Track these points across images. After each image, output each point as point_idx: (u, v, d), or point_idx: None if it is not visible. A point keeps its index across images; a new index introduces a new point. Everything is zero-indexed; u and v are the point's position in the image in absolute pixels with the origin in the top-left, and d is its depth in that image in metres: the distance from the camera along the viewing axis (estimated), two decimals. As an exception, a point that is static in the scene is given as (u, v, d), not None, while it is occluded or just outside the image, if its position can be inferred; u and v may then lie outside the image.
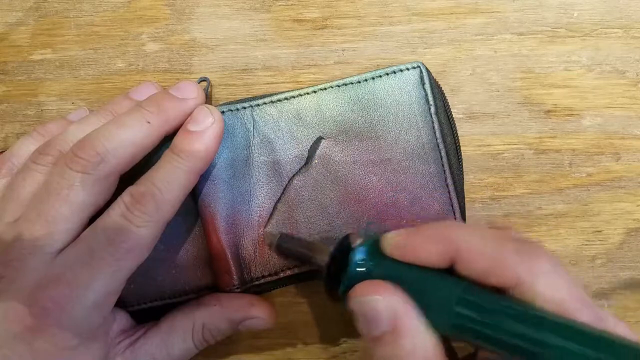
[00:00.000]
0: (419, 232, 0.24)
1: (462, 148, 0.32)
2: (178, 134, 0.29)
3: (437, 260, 0.23)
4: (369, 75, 0.31)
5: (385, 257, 0.24)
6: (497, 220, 0.33)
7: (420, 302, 0.23)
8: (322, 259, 0.27)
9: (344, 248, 0.26)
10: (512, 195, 0.34)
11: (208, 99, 0.34)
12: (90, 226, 0.27)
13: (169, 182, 0.27)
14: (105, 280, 0.26)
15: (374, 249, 0.25)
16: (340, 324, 0.34)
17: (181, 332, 0.30)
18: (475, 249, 0.23)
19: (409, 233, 0.24)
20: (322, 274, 0.26)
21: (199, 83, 0.33)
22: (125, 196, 0.27)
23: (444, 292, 0.23)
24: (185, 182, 0.28)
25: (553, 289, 0.21)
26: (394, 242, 0.24)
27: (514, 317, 0.21)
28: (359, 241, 0.26)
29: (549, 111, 0.34)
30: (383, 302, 0.22)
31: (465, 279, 0.23)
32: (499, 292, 0.22)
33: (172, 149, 0.28)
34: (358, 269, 0.24)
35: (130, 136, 0.28)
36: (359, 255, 0.25)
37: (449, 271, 0.23)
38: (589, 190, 0.33)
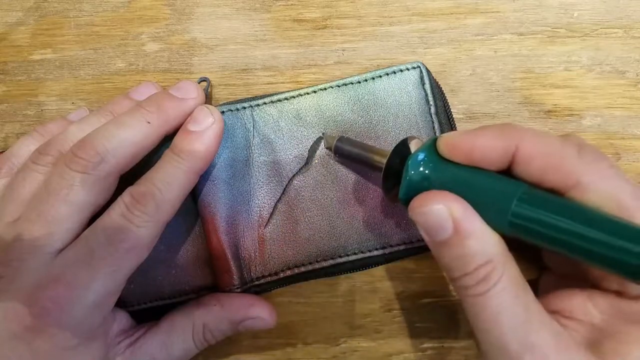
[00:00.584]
0: (479, 130, 0.24)
1: (462, 148, 0.32)
2: (178, 134, 0.29)
3: (496, 158, 0.23)
4: (369, 75, 0.31)
5: (442, 160, 0.25)
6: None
7: (477, 202, 0.23)
8: (380, 159, 0.27)
9: (402, 150, 0.26)
10: (512, 195, 0.34)
11: (208, 99, 0.34)
12: (90, 226, 0.27)
13: (169, 182, 0.27)
14: (105, 280, 0.26)
15: (432, 151, 0.25)
16: (340, 324, 0.34)
17: (181, 332, 0.30)
18: (536, 148, 0.23)
19: (468, 132, 0.25)
20: (380, 173, 0.27)
21: (199, 83, 0.33)
22: (125, 196, 0.27)
23: (502, 191, 0.23)
24: (185, 182, 0.28)
25: (612, 190, 0.22)
26: (452, 141, 0.25)
27: (572, 217, 0.21)
28: (416, 143, 0.27)
29: (549, 111, 0.34)
30: (444, 209, 0.23)
31: (523, 182, 0.23)
32: (556, 193, 0.22)
33: (172, 149, 0.28)
34: (415, 170, 0.25)
35: (130, 136, 0.28)
36: (417, 157, 0.25)
37: (505, 174, 0.24)
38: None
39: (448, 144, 0.25)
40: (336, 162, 0.31)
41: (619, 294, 0.23)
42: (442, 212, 0.23)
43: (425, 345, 0.33)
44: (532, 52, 0.34)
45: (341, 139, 0.30)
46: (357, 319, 0.33)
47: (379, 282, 0.33)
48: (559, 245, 0.22)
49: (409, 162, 0.25)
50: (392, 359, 0.33)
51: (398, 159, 0.26)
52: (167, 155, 0.28)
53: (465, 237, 0.23)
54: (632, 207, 0.22)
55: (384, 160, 0.27)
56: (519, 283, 0.23)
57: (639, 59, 0.34)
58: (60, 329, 0.25)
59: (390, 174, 0.27)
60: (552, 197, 0.22)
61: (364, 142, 0.30)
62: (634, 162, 0.33)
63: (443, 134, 0.25)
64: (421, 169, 0.25)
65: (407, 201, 0.25)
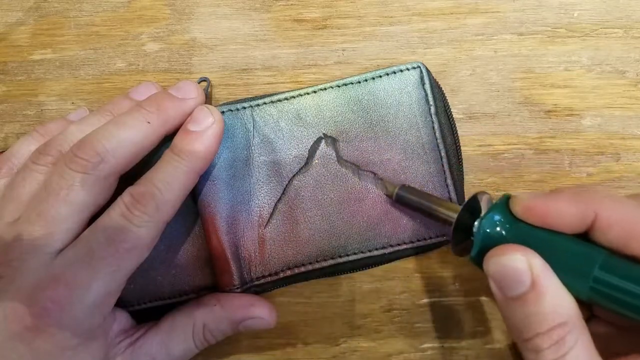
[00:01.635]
0: (555, 194, 0.24)
1: (462, 148, 0.32)
2: (178, 134, 0.29)
3: (572, 224, 0.23)
4: (369, 75, 0.31)
5: (517, 220, 0.24)
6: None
7: (555, 265, 0.23)
8: (449, 213, 0.27)
9: (472, 207, 0.26)
10: (512, 195, 0.34)
11: (208, 99, 0.34)
12: (90, 226, 0.27)
13: (169, 182, 0.27)
14: (105, 280, 0.26)
15: (506, 210, 0.25)
16: (340, 324, 0.34)
17: (181, 333, 0.30)
18: (615, 215, 0.22)
19: (544, 195, 0.24)
20: (449, 227, 0.27)
21: (199, 83, 0.33)
22: (125, 196, 0.27)
23: (583, 255, 0.23)
24: (185, 182, 0.28)
25: None
26: (527, 203, 0.24)
27: None
28: (486, 200, 0.26)
29: (549, 111, 0.34)
30: (524, 262, 0.22)
31: (603, 247, 0.23)
32: (637, 261, 0.22)
33: (172, 149, 0.28)
34: (492, 230, 0.24)
35: (130, 136, 0.28)
36: (492, 217, 0.25)
37: (582, 238, 0.23)
38: (589, 190, 0.33)
39: (523, 206, 0.24)
40: (336, 163, 0.31)
41: None
42: (522, 264, 0.22)
43: (425, 345, 0.33)
44: (532, 52, 0.34)
45: (402, 187, 0.30)
46: (357, 319, 0.33)
47: (379, 282, 0.33)
48: (637, 312, 0.22)
49: (484, 221, 0.25)
50: (392, 359, 0.33)
51: (467, 214, 0.26)
52: (167, 155, 0.28)
53: (543, 294, 0.22)
54: None
55: (454, 215, 0.27)
56: (593, 352, 0.22)
57: (639, 59, 0.34)
58: (60, 329, 0.25)
59: (459, 229, 0.26)
60: (634, 265, 0.22)
61: (364, 151, 0.30)
62: (634, 162, 0.33)
63: (517, 195, 0.25)
64: (497, 229, 0.25)
65: (478, 260, 0.25)
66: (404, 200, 0.29)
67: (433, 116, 0.31)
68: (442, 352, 0.33)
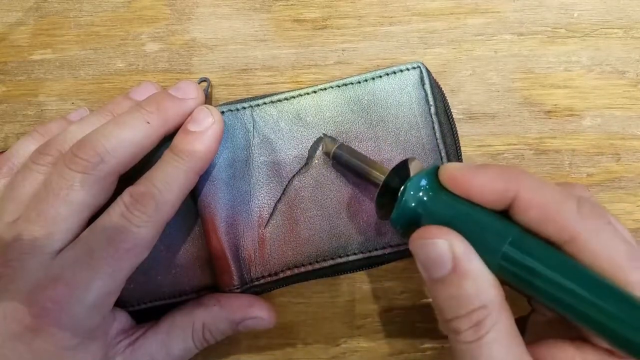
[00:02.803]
0: (482, 168, 0.24)
1: (462, 148, 0.32)
2: (178, 134, 0.29)
3: (493, 200, 0.23)
4: (369, 75, 0.31)
5: (442, 189, 0.25)
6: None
7: (470, 238, 0.23)
8: (378, 175, 0.27)
9: (401, 170, 0.26)
10: (512, 196, 0.34)
11: (208, 99, 0.34)
12: (90, 226, 0.27)
13: (168, 182, 0.27)
14: (105, 280, 0.26)
15: (433, 178, 0.25)
16: (340, 324, 0.34)
17: (181, 332, 0.30)
18: (535, 198, 0.22)
19: (470, 167, 0.24)
20: (377, 189, 0.27)
21: (199, 83, 0.33)
22: (125, 196, 0.27)
23: (497, 231, 0.23)
24: (185, 182, 0.28)
25: (607, 249, 0.21)
26: (453, 173, 0.24)
27: (560, 270, 0.21)
28: (416, 165, 0.26)
29: (549, 111, 0.34)
30: (445, 245, 0.23)
31: (519, 225, 0.23)
32: (550, 244, 0.22)
33: (172, 149, 0.28)
34: (415, 194, 0.25)
35: (130, 136, 0.28)
36: (418, 181, 0.25)
37: (504, 214, 0.23)
38: (589, 190, 0.33)
39: (450, 175, 0.24)
40: (336, 164, 0.31)
41: (610, 352, 0.23)
42: (444, 247, 0.23)
43: (426, 345, 0.33)
44: (532, 52, 0.34)
45: (341, 146, 0.30)
46: (357, 319, 0.33)
47: (379, 282, 0.33)
48: (543, 295, 0.22)
49: (409, 184, 0.25)
50: (392, 359, 0.33)
51: (397, 178, 0.26)
52: (167, 156, 0.28)
53: (463, 277, 0.22)
54: (626, 267, 0.21)
55: (382, 177, 0.27)
56: (513, 334, 0.22)
57: (639, 59, 0.34)
58: (60, 329, 0.25)
59: (386, 192, 0.26)
60: (544, 246, 0.22)
61: (363, 151, 0.30)
62: (634, 162, 0.33)
63: (446, 164, 0.25)
64: (420, 194, 0.25)
65: (397, 221, 0.25)
66: (341, 159, 0.29)
67: (433, 116, 0.31)
68: (442, 352, 0.33)
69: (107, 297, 0.27)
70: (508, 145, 0.34)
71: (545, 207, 0.22)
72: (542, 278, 0.21)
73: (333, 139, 0.30)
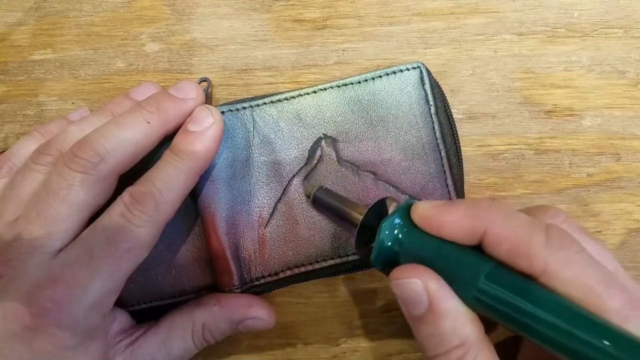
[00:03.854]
0: (448, 206, 0.24)
1: (462, 148, 0.32)
2: (178, 134, 0.29)
3: (463, 237, 0.23)
4: (369, 75, 0.31)
5: (415, 229, 0.25)
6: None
7: (446, 274, 0.23)
8: (356, 216, 0.28)
9: (379, 210, 0.27)
10: (512, 196, 0.34)
11: (208, 99, 0.34)
12: (90, 226, 0.27)
13: (168, 182, 0.27)
14: (105, 280, 0.26)
15: (407, 216, 0.25)
16: (340, 324, 0.34)
17: (181, 332, 0.30)
18: (504, 232, 0.23)
19: (438, 206, 0.24)
20: (354, 230, 0.27)
21: (199, 83, 0.33)
22: (125, 196, 0.27)
23: (471, 266, 0.23)
24: (185, 182, 0.28)
25: (580, 277, 0.21)
26: (422, 213, 0.25)
27: (532, 301, 0.21)
28: (393, 205, 0.27)
29: (549, 111, 0.34)
30: (421, 285, 0.23)
31: (492, 259, 0.23)
32: (526, 276, 0.22)
33: (172, 149, 0.28)
34: (390, 233, 0.25)
35: (130, 136, 0.28)
36: (392, 220, 0.25)
37: (478, 249, 0.24)
38: (589, 190, 0.33)
39: (420, 215, 0.25)
40: (336, 163, 0.31)
41: None
42: (418, 286, 0.23)
43: (425, 345, 0.33)
44: (532, 52, 0.34)
45: (320, 189, 0.30)
46: (357, 319, 0.33)
47: (379, 282, 0.33)
48: (520, 328, 0.22)
49: (384, 224, 0.25)
50: (392, 359, 0.33)
51: (374, 219, 0.26)
52: (167, 156, 0.28)
53: (439, 316, 0.23)
54: (602, 295, 0.21)
55: (360, 217, 0.27)
56: None
57: (639, 59, 0.34)
58: (59, 329, 0.25)
59: (364, 232, 0.27)
60: (519, 279, 0.22)
61: (364, 151, 0.31)
62: (634, 162, 0.33)
63: (416, 204, 0.25)
64: (395, 232, 0.25)
65: (377, 261, 0.25)
66: (321, 202, 0.30)
67: (433, 116, 0.31)
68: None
69: (107, 297, 0.27)
70: (508, 145, 0.34)
71: (514, 241, 0.22)
72: (518, 311, 0.21)
73: (312, 184, 0.31)
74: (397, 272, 0.24)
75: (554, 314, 0.21)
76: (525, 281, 0.22)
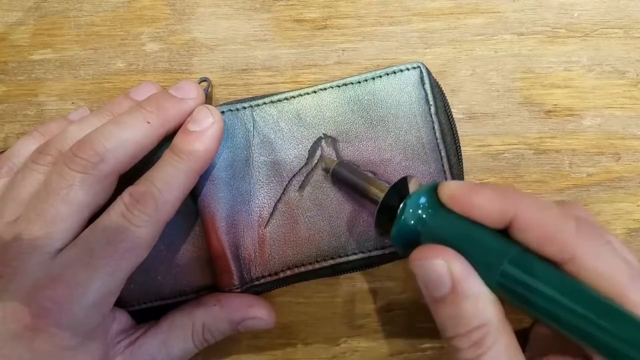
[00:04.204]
0: (481, 187, 0.24)
1: (462, 148, 0.32)
2: (178, 134, 0.29)
3: (493, 219, 0.23)
4: (369, 75, 0.31)
5: (441, 207, 0.25)
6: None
7: (470, 256, 0.23)
8: (377, 193, 0.27)
9: (400, 189, 0.26)
10: (512, 196, 0.34)
11: (208, 99, 0.34)
12: (90, 226, 0.27)
13: (168, 182, 0.27)
14: (105, 280, 0.26)
15: (433, 195, 0.25)
16: (340, 324, 0.34)
17: (181, 332, 0.30)
18: (534, 218, 0.23)
19: (470, 186, 0.24)
20: (376, 207, 0.27)
21: (199, 83, 0.33)
22: (125, 196, 0.27)
23: (496, 249, 0.23)
24: (185, 182, 0.28)
25: (607, 268, 0.21)
26: (452, 192, 0.24)
27: (559, 288, 0.21)
28: (416, 184, 0.26)
29: (549, 111, 0.34)
30: (445, 266, 0.23)
31: (518, 244, 0.23)
32: (551, 263, 0.22)
33: (172, 149, 0.28)
34: (414, 211, 0.25)
35: (130, 136, 0.28)
36: (418, 199, 0.25)
37: (503, 233, 0.23)
38: (589, 190, 0.33)
39: (449, 194, 0.24)
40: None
41: None
42: (442, 267, 0.23)
43: (426, 345, 0.33)
44: (532, 52, 0.34)
45: (340, 163, 0.30)
46: (357, 319, 0.33)
47: (379, 282, 0.33)
48: (543, 314, 0.22)
49: (408, 201, 0.25)
50: (392, 359, 0.33)
51: (396, 196, 0.26)
52: (167, 155, 0.28)
53: (462, 298, 0.23)
54: (627, 287, 0.21)
55: (381, 195, 0.27)
56: (513, 352, 0.22)
57: (639, 59, 0.34)
58: (59, 329, 0.25)
59: (385, 210, 0.26)
60: (544, 265, 0.22)
61: (363, 151, 0.31)
62: (634, 162, 0.33)
63: (445, 182, 0.25)
64: (419, 211, 0.25)
65: (397, 239, 0.25)
66: (340, 176, 0.29)
67: (433, 116, 0.31)
68: (442, 352, 0.33)
69: (107, 297, 0.27)
70: (508, 145, 0.34)
71: (544, 228, 0.22)
72: (542, 296, 0.21)
73: (331, 159, 0.30)
74: (419, 252, 0.24)
75: (579, 301, 0.21)
76: (551, 268, 0.22)
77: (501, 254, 0.23)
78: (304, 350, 0.34)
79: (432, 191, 0.25)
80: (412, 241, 0.25)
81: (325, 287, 0.34)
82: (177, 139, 0.29)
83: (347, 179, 0.29)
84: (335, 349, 0.34)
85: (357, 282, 0.33)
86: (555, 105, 0.34)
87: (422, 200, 0.25)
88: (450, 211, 0.24)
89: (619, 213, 0.33)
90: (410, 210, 0.25)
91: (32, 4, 0.36)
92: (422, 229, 0.25)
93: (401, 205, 0.25)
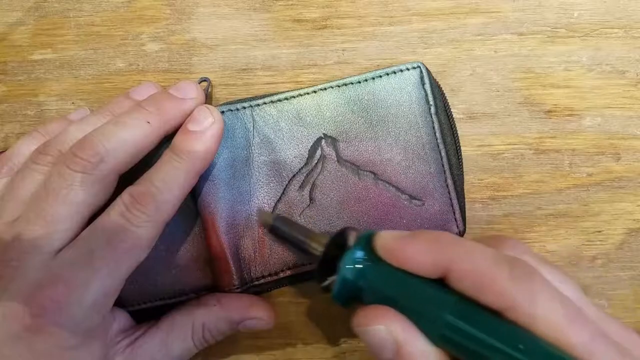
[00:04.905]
0: (412, 238, 0.24)
1: (462, 148, 0.32)
2: (178, 133, 0.29)
3: (427, 270, 0.23)
4: (369, 75, 0.31)
5: (379, 259, 0.24)
6: (494, 229, 0.33)
7: (410, 310, 0.23)
8: (317, 248, 0.27)
9: (340, 241, 0.26)
10: (512, 195, 0.34)
11: (208, 99, 0.34)
12: (90, 226, 0.27)
13: (168, 182, 0.27)
14: (104, 280, 0.26)
15: (369, 248, 0.25)
16: (340, 324, 0.34)
17: (181, 332, 0.30)
18: (467, 267, 0.22)
19: (401, 237, 0.24)
20: (314, 263, 0.26)
21: (199, 83, 0.33)
22: (125, 196, 0.27)
23: (435, 301, 0.22)
24: (184, 182, 0.28)
25: (544, 311, 0.21)
26: (385, 244, 0.24)
27: (499, 337, 0.21)
28: (354, 235, 0.26)
29: (549, 111, 0.34)
30: (386, 331, 0.22)
31: (457, 293, 0.22)
32: (492, 311, 0.22)
33: (171, 149, 0.28)
34: (351, 267, 0.24)
35: (130, 136, 0.28)
36: (354, 254, 0.24)
37: (442, 283, 0.23)
38: (589, 190, 0.33)
39: (383, 246, 0.24)
40: (336, 163, 0.31)
41: None
42: (383, 333, 0.22)
43: (425, 345, 0.33)
44: (532, 52, 0.34)
45: (277, 218, 0.29)
46: (357, 319, 0.33)
47: (379, 282, 0.33)
48: None
49: (345, 257, 0.24)
50: (392, 359, 0.33)
51: (336, 250, 0.25)
52: (167, 155, 0.28)
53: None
54: (566, 329, 0.21)
55: (320, 249, 0.26)
56: None
57: (639, 59, 0.34)
58: (59, 329, 0.25)
59: (326, 265, 0.25)
60: (484, 313, 0.22)
61: (364, 151, 0.30)
62: (634, 162, 0.33)
63: (379, 234, 0.25)
64: (357, 266, 0.24)
65: (339, 298, 0.25)
66: (278, 232, 0.29)
67: (433, 116, 0.31)
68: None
69: (107, 297, 0.26)
70: (508, 145, 0.34)
71: (478, 276, 0.22)
72: (486, 347, 0.21)
73: (267, 213, 0.30)
74: (359, 319, 0.24)
75: (520, 350, 0.20)
76: (490, 317, 0.21)
77: (441, 306, 0.22)
78: (304, 350, 0.34)
79: (369, 242, 0.25)
80: (354, 297, 0.24)
81: (325, 287, 0.34)
82: (177, 139, 0.29)
83: (286, 235, 0.29)
84: (335, 349, 0.34)
85: (357, 282, 0.33)
86: (555, 105, 0.34)
87: (359, 254, 0.24)
88: (387, 264, 0.24)
89: (619, 213, 0.33)
90: (348, 266, 0.24)
91: (32, 4, 0.36)
92: (363, 284, 0.24)
93: (339, 263, 0.24)
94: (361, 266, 0.24)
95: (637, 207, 0.33)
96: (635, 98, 0.34)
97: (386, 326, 0.23)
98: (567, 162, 0.34)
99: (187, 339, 0.30)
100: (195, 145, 0.28)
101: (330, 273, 0.25)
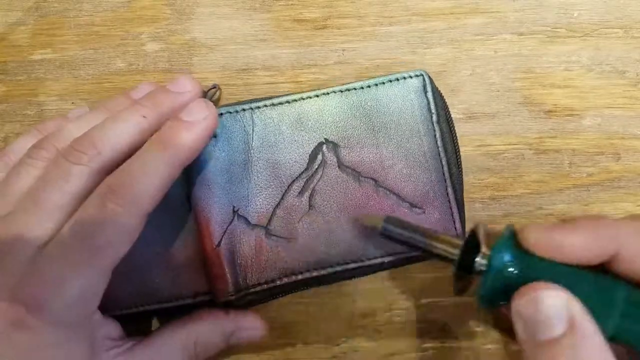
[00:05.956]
0: (572, 228, 0.23)
1: (462, 148, 0.32)
2: (166, 122, 0.28)
3: (588, 258, 0.22)
4: (372, 81, 0.31)
5: (527, 256, 0.23)
6: (494, 229, 0.33)
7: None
8: (448, 250, 0.25)
9: (473, 241, 0.25)
10: (512, 195, 0.34)
11: (216, 105, 0.34)
12: (69, 220, 0.26)
13: (147, 172, 0.26)
14: (85, 275, 0.25)
15: (513, 247, 0.24)
16: (340, 324, 0.33)
17: (172, 349, 0.29)
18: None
19: (556, 229, 0.23)
20: (453, 266, 0.25)
21: (209, 90, 0.33)
22: (102, 187, 0.26)
23: (605, 292, 0.21)
24: (164, 174, 0.27)
25: None
26: (539, 238, 0.23)
27: None
28: (484, 232, 0.25)
29: (549, 111, 0.34)
30: (561, 305, 0.21)
31: (622, 280, 0.21)
32: None
33: (155, 137, 0.27)
34: (504, 268, 0.23)
35: (126, 129, 0.27)
36: (501, 257, 0.23)
37: (597, 269, 0.22)
38: (589, 190, 0.33)
39: (535, 241, 0.23)
40: (337, 169, 0.31)
41: None
42: (559, 304, 0.21)
43: (426, 345, 0.33)
44: (532, 52, 0.34)
45: (388, 219, 0.27)
46: (357, 319, 0.33)
47: (379, 282, 0.33)
48: None
49: (493, 260, 0.23)
50: (392, 359, 0.33)
51: (470, 251, 0.24)
52: (148, 144, 0.27)
53: (583, 338, 0.20)
54: None
55: (453, 251, 0.25)
56: None
57: (639, 59, 0.34)
58: (42, 325, 0.25)
59: (462, 266, 0.24)
60: None
61: (365, 157, 0.30)
62: (634, 162, 0.33)
63: (525, 230, 0.23)
64: (508, 262, 0.23)
65: (488, 297, 0.24)
66: (392, 233, 0.27)
67: (435, 124, 0.31)
68: (442, 352, 0.33)
69: (90, 292, 0.26)
70: (508, 144, 0.34)
71: None
72: None
73: (374, 216, 0.28)
74: (532, 288, 0.22)
75: None
76: None
77: (613, 295, 0.21)
78: (304, 350, 0.34)
79: (512, 239, 0.24)
80: (500, 296, 0.23)
81: (325, 287, 0.33)
82: (164, 127, 0.28)
83: (401, 237, 0.27)
84: (335, 349, 0.33)
85: (357, 282, 0.33)
86: (555, 105, 0.34)
87: (507, 257, 0.23)
88: (540, 258, 0.23)
89: (619, 213, 0.33)
90: (500, 269, 0.23)
91: (32, 4, 0.36)
92: (516, 280, 0.23)
93: (478, 261, 0.23)
94: (513, 262, 0.23)
95: (637, 207, 0.33)
96: (635, 98, 0.34)
97: (562, 298, 0.21)
98: (567, 162, 0.34)
99: (178, 357, 0.29)
100: (182, 134, 0.27)
101: (463, 275, 0.24)
